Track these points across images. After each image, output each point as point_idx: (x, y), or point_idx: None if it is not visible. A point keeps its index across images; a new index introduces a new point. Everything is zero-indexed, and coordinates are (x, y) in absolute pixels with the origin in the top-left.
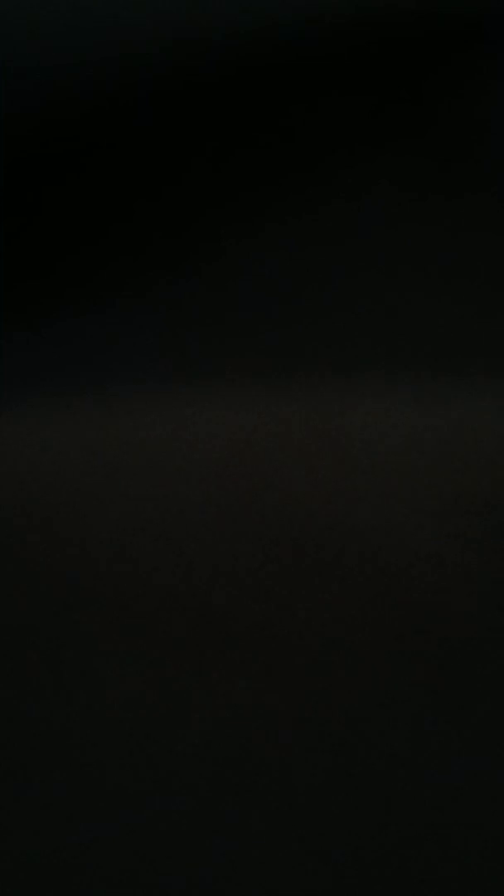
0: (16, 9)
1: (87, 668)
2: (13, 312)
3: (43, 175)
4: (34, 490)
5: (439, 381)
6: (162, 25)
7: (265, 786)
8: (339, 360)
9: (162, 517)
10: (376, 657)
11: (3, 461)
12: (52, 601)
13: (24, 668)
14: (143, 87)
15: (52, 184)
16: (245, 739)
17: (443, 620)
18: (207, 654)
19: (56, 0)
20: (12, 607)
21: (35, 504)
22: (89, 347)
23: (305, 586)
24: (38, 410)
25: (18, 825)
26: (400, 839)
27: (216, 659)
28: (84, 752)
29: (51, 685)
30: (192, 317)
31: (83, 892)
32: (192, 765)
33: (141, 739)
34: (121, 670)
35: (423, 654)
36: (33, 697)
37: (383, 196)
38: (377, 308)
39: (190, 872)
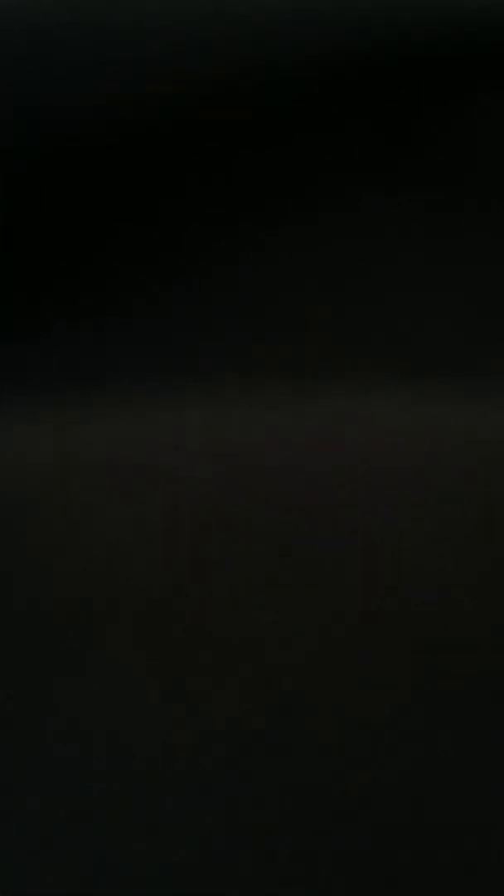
0: (19, 14)
1: (84, 670)
2: (14, 316)
3: (44, 180)
4: (34, 491)
5: (439, 385)
6: (165, 35)
7: (264, 791)
8: (339, 365)
9: (161, 519)
10: (376, 661)
11: (3, 462)
12: (50, 601)
13: (22, 669)
14: (145, 97)
15: (53, 188)
16: (243, 745)
17: (443, 623)
18: (205, 654)
19: (58, 10)
20: (10, 607)
21: (34, 505)
22: (90, 352)
23: (305, 587)
24: (38, 413)
25: (20, 823)
26: (398, 846)
27: (214, 659)
28: (83, 750)
29: (48, 686)
30: (193, 322)
31: (84, 887)
32: (191, 766)
33: (139, 745)
34: (118, 672)
35: (423, 659)
36: (32, 696)
37: (383, 205)
38: (377, 314)
39: (189, 873)
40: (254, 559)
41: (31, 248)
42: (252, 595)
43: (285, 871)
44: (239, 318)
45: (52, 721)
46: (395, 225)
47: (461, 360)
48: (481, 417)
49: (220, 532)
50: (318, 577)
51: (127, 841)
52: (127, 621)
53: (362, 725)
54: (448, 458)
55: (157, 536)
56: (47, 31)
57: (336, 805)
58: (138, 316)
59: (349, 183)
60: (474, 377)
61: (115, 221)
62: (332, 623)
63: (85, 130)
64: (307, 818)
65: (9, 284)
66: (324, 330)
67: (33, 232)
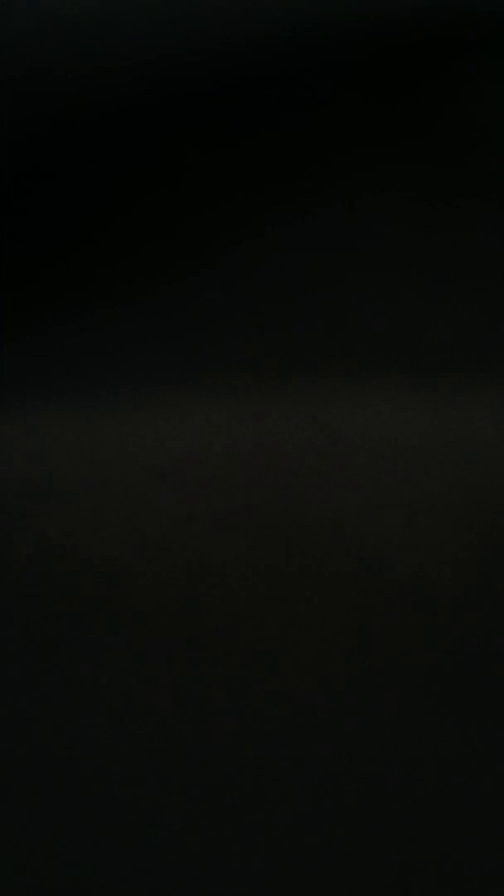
0: (20, 10)
1: (83, 673)
2: (13, 315)
3: (42, 176)
4: (34, 493)
5: (441, 384)
6: (162, 27)
7: (263, 794)
8: (341, 363)
9: (162, 520)
10: (377, 662)
11: (3, 464)
12: (51, 603)
13: (22, 671)
14: (143, 89)
15: (51, 184)
16: (242, 746)
17: (445, 622)
18: (205, 657)
19: (58, 4)
20: (10, 609)
21: (34, 504)
22: (89, 350)
23: (306, 588)
24: (38, 413)
25: (18, 826)
26: (399, 848)
27: (214, 661)
28: (82, 752)
29: (48, 688)
30: (193, 320)
31: (82, 892)
32: (189, 769)
33: (137, 747)
34: (117, 676)
35: (424, 659)
36: (32, 699)
37: (384, 199)
38: (379, 311)
39: (189, 875)
40: (254, 557)
41: (31, 249)
42: (253, 594)
43: (284, 879)
44: (239, 317)
45: (49, 720)
46: (394, 221)
47: (462, 358)
48: (482, 416)
49: (221, 530)
50: (319, 577)
51: (120, 841)
52: (123, 622)
53: (364, 725)
54: (448, 457)
55: (158, 536)
56: (46, 30)
57: (337, 800)
58: (138, 316)
59: (348, 180)
60: (475, 375)
61: (116, 221)
62: (331, 624)
63: (84, 130)
64: (308, 815)
65: (9, 284)
66: (324, 329)
67: (33, 232)
